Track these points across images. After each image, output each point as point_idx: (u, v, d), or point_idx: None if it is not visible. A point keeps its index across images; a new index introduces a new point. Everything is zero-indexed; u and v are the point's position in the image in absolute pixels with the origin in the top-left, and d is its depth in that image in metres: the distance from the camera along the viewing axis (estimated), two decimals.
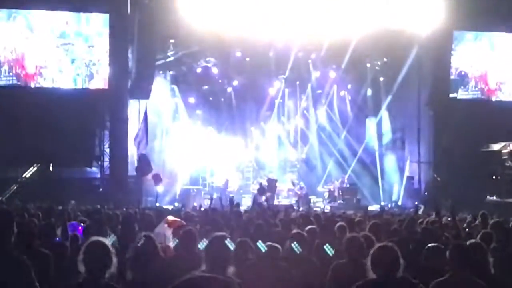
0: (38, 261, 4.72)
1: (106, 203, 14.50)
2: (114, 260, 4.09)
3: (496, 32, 21.51)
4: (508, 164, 19.16)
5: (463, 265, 4.62)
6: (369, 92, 23.42)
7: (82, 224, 8.01)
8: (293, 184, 22.04)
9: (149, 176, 17.93)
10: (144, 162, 18.13)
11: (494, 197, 18.78)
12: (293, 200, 20.71)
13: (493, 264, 5.05)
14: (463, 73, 21.35)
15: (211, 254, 3.93)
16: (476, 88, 21.50)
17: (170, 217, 8.19)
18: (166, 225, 7.74)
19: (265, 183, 20.67)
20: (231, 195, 20.24)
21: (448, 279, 4.61)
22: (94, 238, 4.25)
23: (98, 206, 12.80)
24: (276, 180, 21.18)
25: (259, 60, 21.52)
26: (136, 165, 18.41)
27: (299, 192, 21.45)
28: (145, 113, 18.54)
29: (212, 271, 3.83)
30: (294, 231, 6.38)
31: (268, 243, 5.62)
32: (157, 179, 17.48)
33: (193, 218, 9.60)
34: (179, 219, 8.28)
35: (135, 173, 18.69)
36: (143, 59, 19.19)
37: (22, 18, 18.53)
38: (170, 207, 16.96)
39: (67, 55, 18.71)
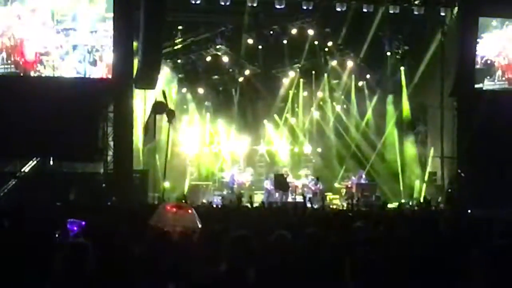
0: None
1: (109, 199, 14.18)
2: None
3: None
4: None
5: None
6: (389, 82, 22.34)
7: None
8: (309, 180, 21.05)
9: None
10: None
11: None
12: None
13: None
14: (489, 62, 20.15)
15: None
16: (503, 78, 20.30)
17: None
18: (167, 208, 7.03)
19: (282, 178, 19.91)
20: (241, 191, 19.61)
21: None
22: None
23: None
24: (285, 175, 20.40)
25: (272, 48, 20.74)
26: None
27: (313, 188, 20.51)
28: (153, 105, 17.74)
29: None
30: None
31: None
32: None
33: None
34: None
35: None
36: (150, 46, 18.04)
37: (18, 2, 17.31)
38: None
39: (68, 41, 17.53)
